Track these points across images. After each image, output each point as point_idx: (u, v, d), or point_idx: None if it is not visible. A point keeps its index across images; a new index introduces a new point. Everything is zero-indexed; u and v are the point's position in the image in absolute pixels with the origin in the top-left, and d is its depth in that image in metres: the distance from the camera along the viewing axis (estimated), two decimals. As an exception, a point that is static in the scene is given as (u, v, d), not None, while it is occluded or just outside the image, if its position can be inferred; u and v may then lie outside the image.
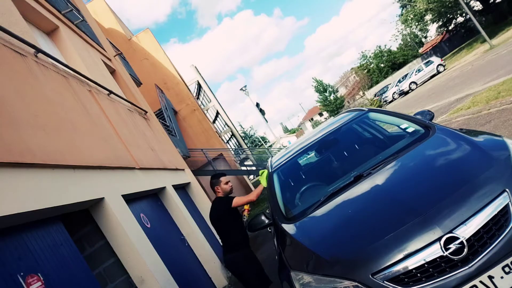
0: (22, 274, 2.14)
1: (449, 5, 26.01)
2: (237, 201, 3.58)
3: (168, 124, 12.16)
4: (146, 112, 8.04)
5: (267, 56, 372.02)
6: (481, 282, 1.63)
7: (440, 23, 32.28)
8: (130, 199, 4.25)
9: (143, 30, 19.19)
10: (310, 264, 2.10)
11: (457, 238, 1.68)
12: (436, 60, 24.76)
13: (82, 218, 3.40)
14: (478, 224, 1.72)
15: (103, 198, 3.40)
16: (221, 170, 15.81)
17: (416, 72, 25.23)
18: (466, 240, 1.68)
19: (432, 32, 41.45)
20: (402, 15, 32.93)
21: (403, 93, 25.64)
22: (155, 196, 5.75)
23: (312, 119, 68.59)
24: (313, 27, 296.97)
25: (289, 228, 2.52)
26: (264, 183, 3.47)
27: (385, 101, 26.61)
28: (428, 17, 30.20)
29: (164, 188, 5.95)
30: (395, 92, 26.85)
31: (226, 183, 3.79)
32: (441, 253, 1.68)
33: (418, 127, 2.87)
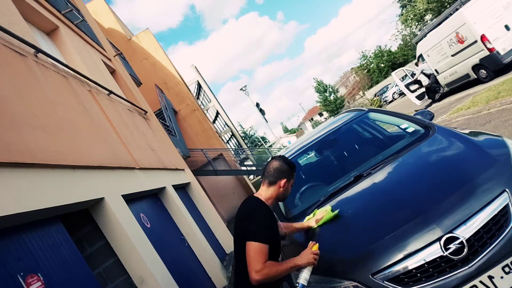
0: (22, 274, 2.14)
1: (449, 5, 26.03)
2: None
3: (168, 124, 12.15)
4: (146, 112, 8.04)
5: (269, 58, 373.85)
6: (481, 282, 1.63)
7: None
8: (130, 199, 4.25)
9: (143, 30, 19.17)
10: (310, 264, 2.10)
11: (457, 238, 1.68)
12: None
13: (82, 218, 3.39)
14: (478, 224, 1.72)
15: (103, 198, 3.39)
16: (221, 169, 15.66)
17: (416, 72, 25.18)
18: (466, 240, 1.68)
19: (432, 32, 41.36)
20: (402, 15, 32.92)
21: (403, 93, 25.60)
22: (155, 196, 5.75)
23: (312, 119, 68.51)
24: (313, 29, 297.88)
25: (289, 228, 2.51)
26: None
27: (385, 101, 26.59)
28: (428, 17, 30.18)
29: (164, 188, 5.95)
30: (395, 92, 26.83)
31: (293, 185, 2.21)
32: (441, 253, 1.68)
33: (418, 127, 2.87)
